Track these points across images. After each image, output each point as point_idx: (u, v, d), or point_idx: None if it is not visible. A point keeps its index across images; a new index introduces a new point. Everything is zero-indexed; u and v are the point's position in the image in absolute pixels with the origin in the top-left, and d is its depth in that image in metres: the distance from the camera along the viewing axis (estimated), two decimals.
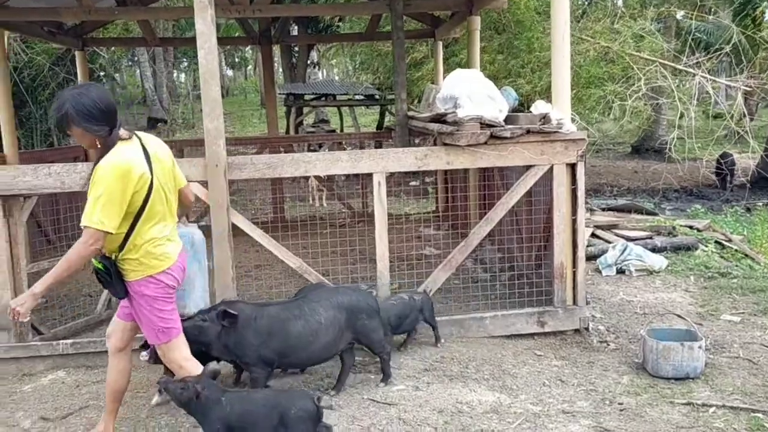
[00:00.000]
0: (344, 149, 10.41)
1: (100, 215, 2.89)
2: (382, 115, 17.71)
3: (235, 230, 4.67)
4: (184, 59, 34.09)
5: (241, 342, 3.62)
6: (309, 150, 11.89)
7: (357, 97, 17.86)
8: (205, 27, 4.37)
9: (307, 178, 10.12)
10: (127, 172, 2.94)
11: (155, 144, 3.25)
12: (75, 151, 9.27)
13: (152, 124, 22.90)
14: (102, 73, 17.00)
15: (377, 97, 17.15)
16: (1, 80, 7.21)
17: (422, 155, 4.80)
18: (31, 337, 4.64)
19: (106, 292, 5.61)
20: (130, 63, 31.35)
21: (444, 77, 8.71)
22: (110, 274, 3.09)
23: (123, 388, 3.41)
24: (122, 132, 3.07)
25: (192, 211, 3.86)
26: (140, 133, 3.25)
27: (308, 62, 21.08)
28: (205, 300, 4.03)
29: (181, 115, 24.55)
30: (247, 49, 37.32)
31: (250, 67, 45.00)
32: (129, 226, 3.03)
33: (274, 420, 2.99)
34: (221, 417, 2.98)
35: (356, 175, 10.14)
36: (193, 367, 3.23)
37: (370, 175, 4.85)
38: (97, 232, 2.90)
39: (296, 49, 19.32)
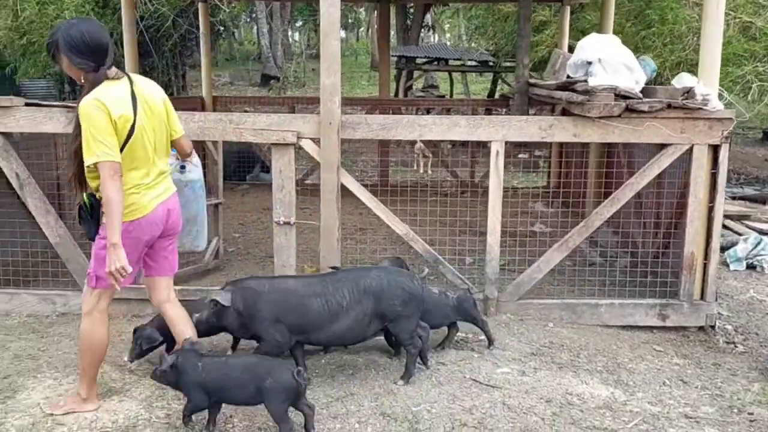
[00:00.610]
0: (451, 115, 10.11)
1: (101, 147, 2.88)
2: (494, 82, 17.11)
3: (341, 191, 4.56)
4: (300, 18, 34.50)
5: (254, 317, 3.48)
6: (417, 114, 11.66)
7: (470, 63, 17.35)
8: None
9: (413, 143, 9.92)
10: (105, 108, 2.90)
11: (148, 88, 3.17)
12: (192, 102, 9.50)
13: (265, 81, 23.32)
14: (221, 28, 17.37)
15: (491, 63, 16.58)
16: (127, 29, 7.41)
17: (547, 125, 4.47)
18: (142, 280, 4.74)
19: (213, 242, 5.69)
20: (248, 19, 32.05)
21: (568, 44, 8.21)
22: (90, 212, 3.10)
23: (183, 331, 3.37)
24: (111, 71, 3.01)
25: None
26: (134, 76, 3.16)
27: (422, 24, 20.67)
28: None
29: (293, 74, 24.82)
30: (360, 10, 37.26)
31: (362, 28, 45.00)
32: None
33: (250, 388, 2.97)
34: (198, 382, 3.01)
35: (463, 143, 9.89)
36: (101, 320, 3.18)
37: (480, 144, 4.56)
38: (107, 163, 2.88)
39: (412, 10, 18.99)
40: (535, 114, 8.08)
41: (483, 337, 4.23)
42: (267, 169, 9.93)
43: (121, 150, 2.97)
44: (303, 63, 27.44)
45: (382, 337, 4.02)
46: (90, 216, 3.13)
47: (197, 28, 11.77)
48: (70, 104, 4.52)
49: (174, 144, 3.39)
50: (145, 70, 12.71)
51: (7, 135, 4.51)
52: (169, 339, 3.64)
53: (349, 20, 44.09)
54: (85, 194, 3.13)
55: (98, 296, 3.19)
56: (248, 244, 6.55)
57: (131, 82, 3.08)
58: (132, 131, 2.99)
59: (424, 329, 3.79)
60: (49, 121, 4.46)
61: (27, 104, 4.49)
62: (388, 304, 3.54)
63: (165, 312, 3.41)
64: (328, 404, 3.39)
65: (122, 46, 7.62)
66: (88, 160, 2.90)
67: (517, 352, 4.09)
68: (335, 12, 4.30)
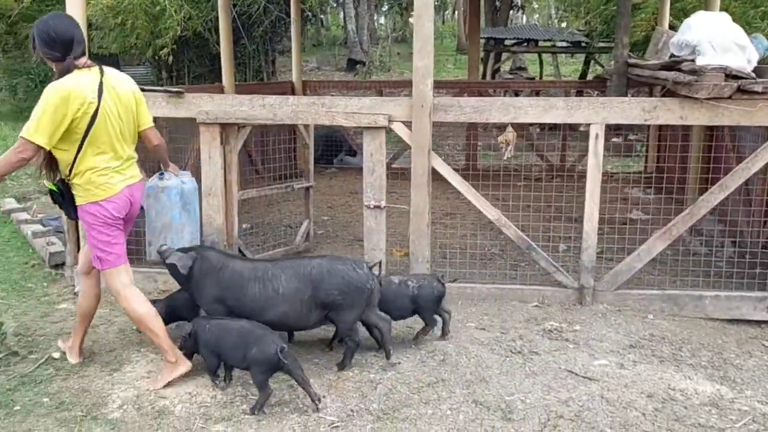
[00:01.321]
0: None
1: (33, 128, 3.11)
2: (587, 63, 16.47)
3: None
4: (386, 2, 34.44)
5: (199, 287, 3.59)
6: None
7: (560, 43, 16.79)
8: None
9: (501, 126, 9.71)
10: (67, 95, 3.12)
11: (118, 79, 3.39)
12: (282, 86, 9.68)
13: (351, 66, 23.46)
14: (310, 14, 17.55)
15: (584, 44, 15.99)
16: (223, 14, 7.59)
17: (651, 107, 4.24)
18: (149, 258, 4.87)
19: (304, 224, 5.78)
20: (335, 4, 32.30)
21: (668, 24, 7.79)
22: (62, 196, 3.37)
23: (91, 310, 3.65)
24: (80, 61, 3.25)
25: (167, 158, 3.95)
26: (107, 68, 3.38)
27: (512, 5, 20.17)
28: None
29: (378, 58, 24.84)
30: None
31: (448, 11, 44.48)
32: (75, 151, 3.23)
33: (240, 352, 3.22)
34: (206, 341, 3.35)
35: (553, 126, 9.59)
36: (131, 295, 3.39)
37: (572, 127, 4.39)
38: (26, 142, 3.12)
39: None
40: (633, 95, 7.73)
41: (578, 327, 4.11)
42: (353, 153, 9.99)
43: (86, 134, 3.21)
44: (389, 47, 27.41)
45: (474, 329, 3.96)
46: (63, 199, 3.39)
47: (287, 14, 11.96)
48: (171, 89, 4.67)
49: (141, 135, 3.56)
50: (236, 55, 13.02)
51: None
52: (183, 317, 3.84)
53: (436, 3, 43.65)
54: (49, 182, 3.40)
55: (114, 275, 3.40)
56: (337, 227, 6.62)
57: (102, 73, 3.31)
58: (95, 116, 3.21)
59: (384, 320, 3.68)
60: (152, 105, 4.59)
61: None
62: (326, 293, 3.46)
63: (83, 281, 3.67)
64: (419, 389, 3.37)
65: (217, 33, 7.82)
66: (22, 131, 3.14)
67: (615, 344, 3.94)
68: None
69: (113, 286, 3.42)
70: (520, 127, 9.15)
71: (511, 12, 20.91)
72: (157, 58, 12.58)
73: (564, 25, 17.07)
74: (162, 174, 3.95)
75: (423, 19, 4.29)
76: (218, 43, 8.24)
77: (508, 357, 3.73)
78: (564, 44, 16.63)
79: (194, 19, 11.74)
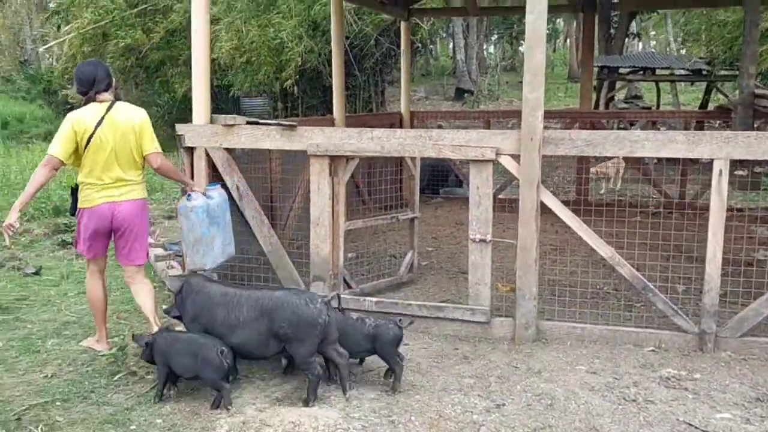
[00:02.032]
0: (658, 129, 9.36)
1: (52, 145, 3.99)
2: (708, 92, 15.64)
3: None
4: (496, 32, 34.38)
5: (183, 306, 3.90)
6: (619, 128, 10.99)
7: (679, 71, 16.06)
8: None
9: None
10: (74, 121, 4.00)
11: (123, 112, 4.12)
12: (391, 117, 9.82)
13: (459, 95, 23.51)
14: (420, 45, 17.80)
15: (705, 72, 15.20)
16: (336, 48, 7.83)
17: None
18: (342, 290, 4.94)
19: (409, 255, 5.78)
20: (444, 35, 32.62)
21: None
22: (74, 195, 4.27)
23: (143, 302, 4.37)
24: (101, 96, 4.07)
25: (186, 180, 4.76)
26: (119, 103, 4.14)
27: (627, 32, 19.54)
28: (226, 253, 4.64)
29: (487, 87, 24.78)
30: (558, 20, 36.26)
31: (559, 39, 43.78)
32: (79, 167, 4.10)
33: (188, 359, 3.56)
34: (160, 352, 3.66)
35: (673, 158, 9.11)
36: (90, 279, 4.30)
37: (693, 160, 4.13)
38: (48, 156, 3.97)
39: (615, 18, 18.05)
40: (759, 127, 7.24)
41: (698, 375, 3.83)
42: (460, 183, 9.95)
43: (84, 152, 4.01)
44: (497, 76, 27.30)
45: (584, 372, 3.77)
46: (73, 197, 4.30)
47: (397, 46, 12.19)
48: (284, 122, 4.84)
49: (144, 159, 4.22)
50: (347, 87, 13.40)
51: (230, 151, 4.94)
52: None
53: (548, 31, 43.06)
54: (74, 183, 4.28)
55: (88, 263, 4.31)
56: (441, 259, 6.58)
57: (110, 107, 4.07)
58: (89, 141, 3.98)
59: (341, 355, 3.67)
60: (267, 138, 4.82)
61: (248, 122, 4.90)
62: (279, 326, 3.56)
63: (130, 287, 4.43)
64: None
65: (330, 65, 8.07)
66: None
67: (740, 396, 3.63)
68: (542, 24, 4.17)
69: (87, 270, 4.35)
70: (635, 159, 8.78)
71: (626, 39, 20.24)
72: (274, 90, 13.18)
73: (683, 52, 16.29)
74: (189, 195, 4.51)
75: (534, 50, 4.22)
76: (331, 75, 8.50)
77: (621, 405, 3.52)
78: (683, 72, 15.89)
79: (313, 52, 12.21)
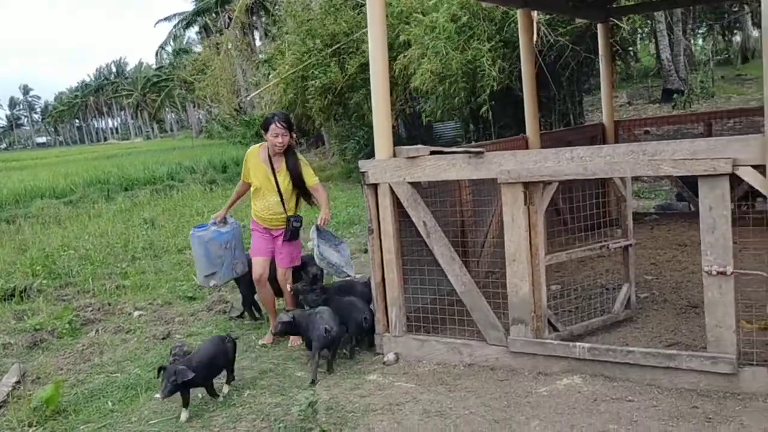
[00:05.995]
0: None
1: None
2: None
3: None
4: (704, 23, 31.18)
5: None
6: None
7: None
8: None
9: None
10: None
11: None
12: (592, 130, 8.96)
13: (667, 96, 21.42)
14: (619, 48, 16.42)
15: None
16: (526, 65, 7.23)
17: None
18: (547, 333, 4.33)
19: (624, 288, 4.99)
20: (643, 34, 30.26)
21: None
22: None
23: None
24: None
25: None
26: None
27: None
28: (234, 271, 5.58)
29: (699, 85, 22.30)
30: None
31: None
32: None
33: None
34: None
35: None
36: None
37: None
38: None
39: None
40: None
41: None
42: (681, 197, 8.76)
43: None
44: (710, 71, 24.54)
45: None
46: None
47: (594, 52, 11.23)
48: (471, 150, 4.39)
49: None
50: (542, 101, 12.63)
51: (415, 184, 4.60)
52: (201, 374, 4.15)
53: None
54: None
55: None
56: (664, 289, 5.64)
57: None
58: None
59: None
60: (452, 167, 4.41)
61: (432, 152, 4.52)
62: None
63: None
64: None
65: (520, 81, 7.51)
66: (315, 180, 5.38)
67: None
68: None
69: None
70: None
71: None
72: (464, 113, 12.83)
73: None
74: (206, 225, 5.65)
75: None
76: (521, 90, 7.93)
77: None
78: None
79: (506, 72, 11.69)
